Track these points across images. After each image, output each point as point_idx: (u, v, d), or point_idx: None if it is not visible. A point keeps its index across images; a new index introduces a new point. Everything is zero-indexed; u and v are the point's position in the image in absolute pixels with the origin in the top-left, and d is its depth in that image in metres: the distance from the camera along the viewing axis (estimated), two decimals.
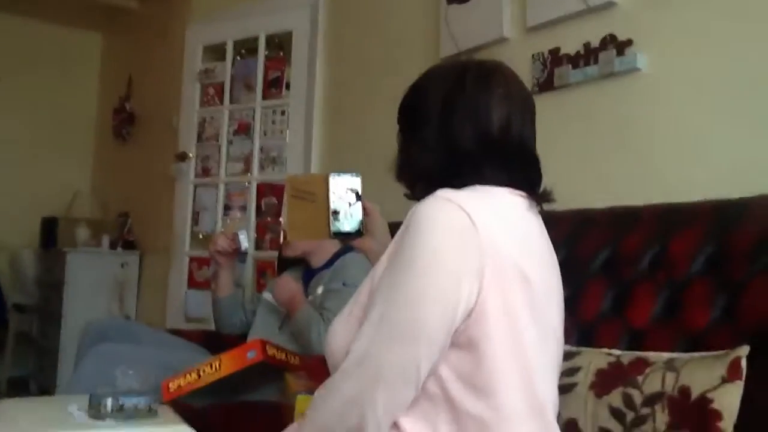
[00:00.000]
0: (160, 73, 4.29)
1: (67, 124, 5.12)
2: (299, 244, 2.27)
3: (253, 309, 2.45)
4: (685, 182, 1.76)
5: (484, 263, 0.92)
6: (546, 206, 1.10)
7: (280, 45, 3.61)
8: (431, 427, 0.95)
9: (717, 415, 1.15)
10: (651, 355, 1.32)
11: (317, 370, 1.60)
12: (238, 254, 2.43)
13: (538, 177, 1.10)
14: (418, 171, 1.10)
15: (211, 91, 3.77)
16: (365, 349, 0.93)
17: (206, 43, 3.82)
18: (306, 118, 3.32)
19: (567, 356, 1.36)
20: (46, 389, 4.15)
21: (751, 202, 1.45)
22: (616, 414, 1.27)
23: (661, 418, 1.20)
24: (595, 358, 1.38)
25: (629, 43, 1.92)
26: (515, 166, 1.05)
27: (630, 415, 1.25)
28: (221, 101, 3.72)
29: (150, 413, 1.57)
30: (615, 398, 1.28)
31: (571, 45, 2.07)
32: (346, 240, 1.19)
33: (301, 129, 3.34)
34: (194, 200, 3.77)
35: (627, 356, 1.34)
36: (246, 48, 3.71)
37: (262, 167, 3.54)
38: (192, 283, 3.72)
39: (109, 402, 1.53)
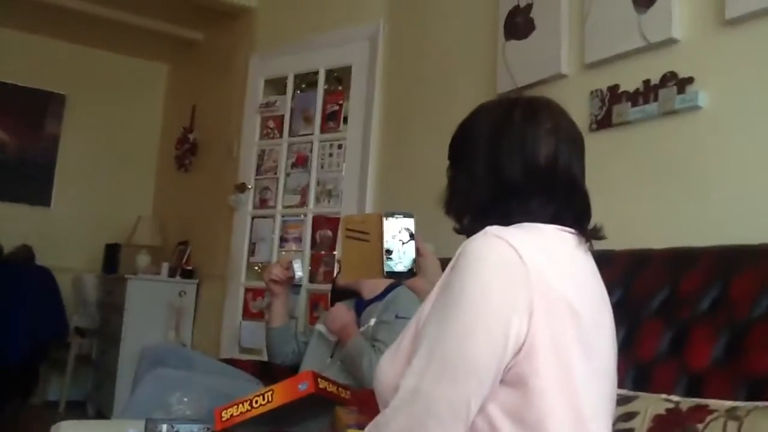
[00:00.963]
0: (222, 104, 4.42)
1: (131, 153, 5.31)
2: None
3: (305, 341, 2.47)
4: (745, 223, 1.71)
5: (533, 299, 0.92)
6: (601, 245, 1.09)
7: (339, 79, 3.69)
8: None
9: None
10: (712, 402, 1.27)
11: (368, 403, 1.60)
12: (292, 284, 2.45)
13: (586, 212, 1.09)
14: (465, 203, 1.11)
15: (271, 123, 3.86)
16: (415, 385, 0.93)
17: (268, 76, 3.94)
18: (362, 151, 3.36)
19: (623, 401, 1.33)
20: (103, 411, 4.25)
21: None
22: None
23: None
24: (653, 404, 1.34)
25: (690, 80, 1.89)
26: (562, 199, 1.05)
27: None
28: (281, 134, 3.81)
29: None
30: None
31: (630, 82, 2.06)
32: (399, 279, 1.20)
33: (357, 162, 3.39)
34: (251, 231, 3.85)
35: (686, 403, 1.30)
36: (306, 82, 3.80)
37: (318, 200, 3.59)
38: (247, 314, 3.77)
39: (164, 428, 1.56)
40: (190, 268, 4.47)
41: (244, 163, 3.92)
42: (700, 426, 1.22)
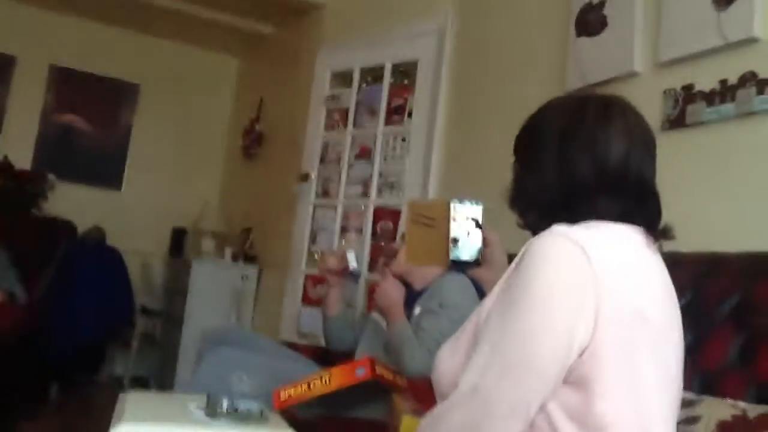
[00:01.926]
0: (289, 96, 4.49)
1: (200, 141, 5.45)
2: (403, 261, 2.27)
3: (361, 328, 2.49)
4: None
5: (600, 300, 0.91)
6: (670, 246, 1.07)
7: (405, 73, 3.69)
8: None
9: None
10: None
11: (424, 392, 1.61)
12: (348, 274, 2.48)
13: (656, 212, 1.07)
14: (531, 200, 1.09)
15: (336, 115, 3.91)
16: (475, 382, 0.93)
17: (334, 69, 3.98)
18: (426, 145, 3.37)
19: (686, 404, 1.30)
20: (165, 388, 4.39)
21: None
22: None
23: None
24: (718, 409, 1.30)
25: None
26: (631, 200, 1.03)
27: None
28: (345, 126, 3.85)
29: (261, 418, 1.63)
30: None
31: (706, 81, 2.00)
32: (464, 268, 1.19)
33: (421, 156, 3.39)
34: (313, 220, 3.90)
35: (754, 410, 1.26)
36: (372, 75, 3.82)
37: (380, 191, 3.61)
38: (306, 300, 3.83)
39: (225, 403, 1.61)
40: (252, 254, 4.56)
41: (308, 153, 3.98)
42: None
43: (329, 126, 3.94)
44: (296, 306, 3.85)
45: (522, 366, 0.91)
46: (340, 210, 3.77)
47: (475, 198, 1.19)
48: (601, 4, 2.41)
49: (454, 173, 3.22)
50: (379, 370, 1.80)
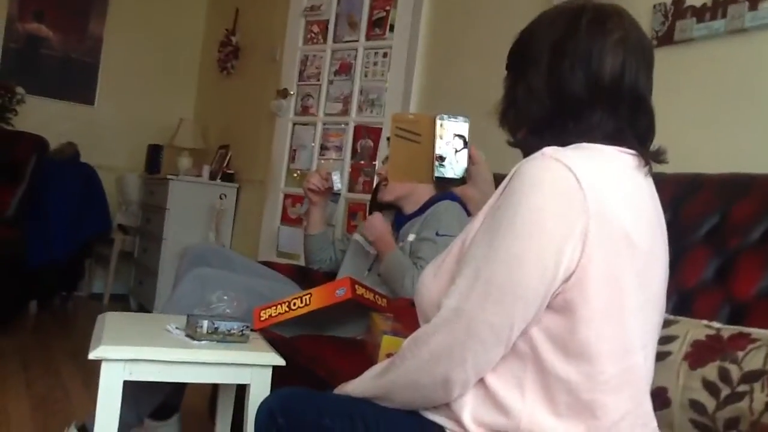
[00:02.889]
0: (266, 6, 4.33)
1: (174, 54, 5.29)
2: (396, 188, 2.27)
3: (342, 248, 2.49)
4: None
5: (588, 226, 0.89)
6: (656, 167, 1.04)
7: None
8: (518, 386, 0.94)
9: None
10: (754, 331, 1.25)
11: (404, 312, 1.62)
12: (331, 193, 2.46)
13: (649, 130, 1.04)
14: (523, 116, 1.06)
15: (315, 28, 3.78)
16: (458, 304, 0.92)
17: None
18: (408, 61, 3.28)
19: (663, 324, 1.32)
20: (144, 306, 4.42)
21: None
22: (710, 388, 1.22)
23: (760, 397, 1.14)
24: (693, 329, 1.32)
25: None
26: (625, 116, 1.00)
27: (725, 391, 1.20)
28: (324, 39, 3.73)
29: (242, 338, 1.64)
30: (710, 372, 1.23)
31: None
32: (448, 186, 1.16)
33: (402, 73, 3.31)
34: (292, 137, 3.84)
35: (728, 330, 1.28)
36: None
37: (360, 109, 3.54)
38: (285, 219, 3.83)
39: (204, 324, 1.60)
40: (230, 171, 4.51)
41: (287, 68, 3.87)
42: (740, 354, 1.21)
43: (308, 39, 3.82)
44: (275, 225, 3.84)
45: (506, 290, 0.90)
46: (319, 128, 3.71)
47: (463, 114, 1.14)
48: None
49: (436, 91, 3.16)
50: (359, 290, 1.80)
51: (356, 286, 1.80)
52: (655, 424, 1.02)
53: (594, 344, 0.91)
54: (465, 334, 0.91)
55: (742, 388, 1.18)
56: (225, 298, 1.75)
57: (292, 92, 3.82)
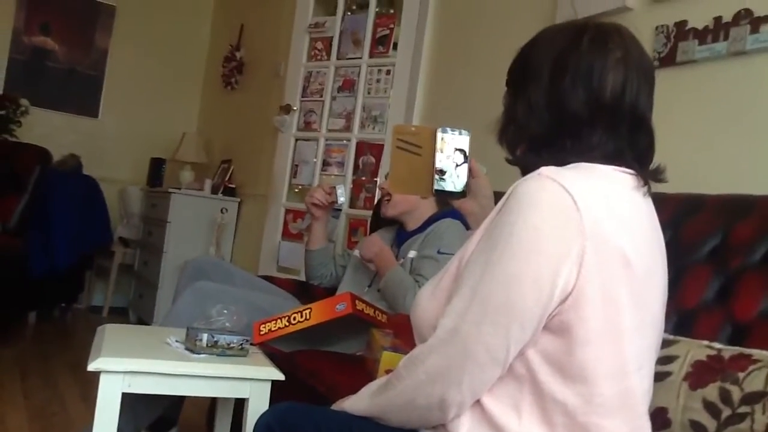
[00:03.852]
0: (270, 23, 4.36)
1: (179, 68, 5.32)
2: (399, 204, 2.27)
3: (343, 264, 2.49)
4: None
5: (585, 246, 0.88)
6: (655, 187, 1.04)
7: (391, 2, 3.59)
8: (514, 408, 0.93)
9: None
10: (756, 352, 1.25)
11: (404, 327, 1.62)
12: (333, 208, 2.47)
13: (649, 150, 1.04)
14: (522, 133, 1.05)
15: (320, 45, 3.80)
16: (455, 325, 0.92)
17: None
18: (411, 79, 3.30)
19: (663, 344, 1.31)
20: (144, 319, 4.41)
21: None
22: (711, 409, 1.21)
23: (761, 419, 1.14)
24: (694, 349, 1.32)
25: (766, 19, 1.78)
26: (625, 135, 1.00)
27: (726, 412, 1.19)
28: (328, 56, 3.75)
29: (241, 352, 1.63)
30: (711, 392, 1.22)
31: (699, 18, 1.95)
32: (448, 199, 1.15)
33: (405, 90, 3.33)
34: (294, 153, 3.85)
35: (729, 351, 1.28)
36: (357, 3, 3.71)
37: (362, 125, 3.56)
38: (286, 234, 3.83)
39: (204, 337, 1.60)
40: (232, 186, 4.52)
41: (291, 84, 3.89)
42: (741, 374, 1.20)
43: (312, 56, 3.84)
44: (276, 239, 3.85)
45: (503, 311, 0.89)
46: (322, 143, 3.72)
47: (464, 127, 1.14)
48: None
49: (439, 108, 3.17)
50: (359, 305, 1.79)
51: (356, 302, 1.79)
52: None
53: (591, 366, 0.91)
54: (461, 355, 0.91)
55: (743, 409, 1.17)
56: (225, 311, 1.75)
57: (295, 108, 3.84)
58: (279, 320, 1.83)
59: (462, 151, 1.11)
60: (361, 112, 3.56)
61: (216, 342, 1.61)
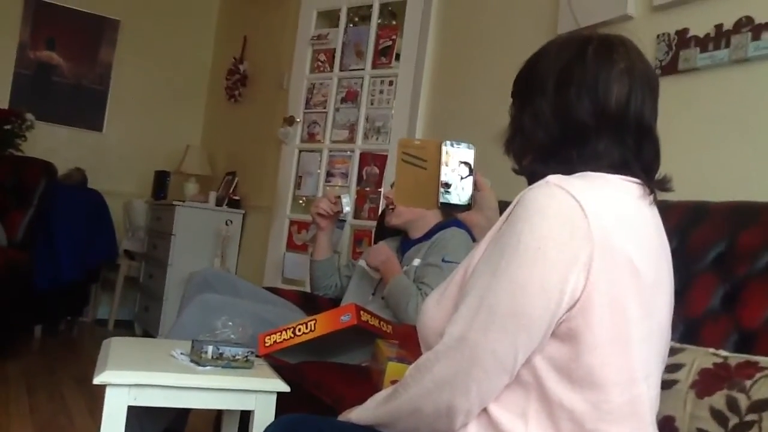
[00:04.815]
0: (273, 35, 4.38)
1: (183, 81, 5.34)
2: (404, 213, 2.28)
3: (348, 275, 2.49)
4: None
5: (593, 254, 0.89)
6: (661, 195, 1.04)
7: (393, 13, 3.61)
8: (521, 416, 0.93)
9: None
10: (762, 359, 1.24)
11: (409, 338, 1.61)
12: (338, 218, 2.47)
13: (655, 159, 1.04)
14: (529, 143, 1.06)
15: (322, 57, 3.82)
16: (462, 332, 0.92)
17: (321, 9, 3.88)
18: (413, 89, 3.31)
19: (670, 352, 1.30)
20: (149, 331, 4.41)
21: None
22: (718, 417, 1.21)
23: None
24: (700, 357, 1.31)
25: (767, 26, 1.78)
26: (630, 145, 1.00)
27: (733, 420, 1.18)
28: (331, 68, 3.77)
29: (246, 364, 1.63)
30: (718, 400, 1.22)
31: (700, 26, 1.95)
32: (454, 211, 1.16)
33: (408, 100, 3.34)
34: (298, 164, 3.86)
35: (735, 358, 1.27)
36: (359, 15, 3.73)
37: (366, 136, 3.57)
38: (290, 245, 3.83)
39: (209, 349, 1.60)
40: (237, 198, 4.53)
41: (294, 96, 3.91)
42: (748, 382, 1.20)
43: (315, 68, 3.86)
44: (281, 251, 3.85)
45: (510, 319, 0.89)
46: (325, 155, 3.73)
47: (468, 140, 1.15)
48: None
49: (441, 119, 3.18)
50: (364, 316, 1.79)
51: (361, 313, 1.79)
52: None
53: (598, 372, 0.91)
54: (468, 363, 0.91)
55: (750, 417, 1.17)
56: (230, 323, 1.75)
57: (298, 119, 3.85)
58: (284, 332, 1.83)
59: (467, 164, 1.12)
60: (365, 123, 3.57)
61: (221, 354, 1.61)
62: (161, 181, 4.89)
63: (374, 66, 3.57)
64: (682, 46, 2.00)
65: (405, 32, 3.42)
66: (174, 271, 4.24)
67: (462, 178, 1.12)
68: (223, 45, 5.26)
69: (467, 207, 1.13)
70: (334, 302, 2.43)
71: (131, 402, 1.48)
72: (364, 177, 3.53)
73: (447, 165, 1.11)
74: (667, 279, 1.02)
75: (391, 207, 2.34)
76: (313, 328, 1.81)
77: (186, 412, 2.09)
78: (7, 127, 4.27)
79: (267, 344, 1.84)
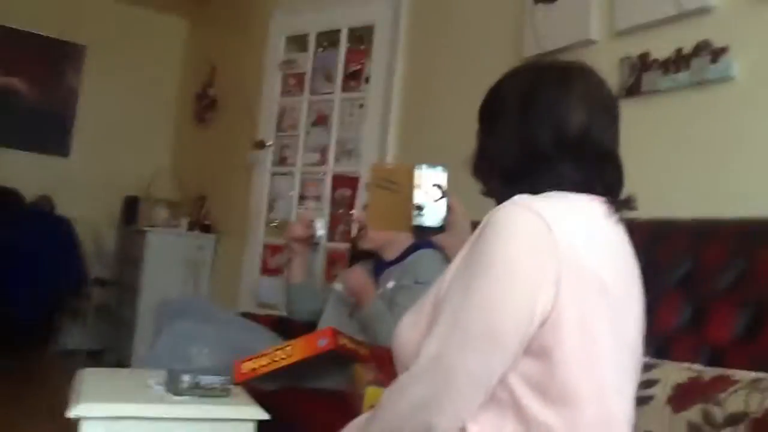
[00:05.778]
0: (243, 61, 4.39)
1: (151, 105, 5.30)
2: (374, 237, 2.29)
3: (323, 298, 2.49)
4: None
5: (561, 271, 0.91)
6: (627, 214, 1.08)
7: (361, 38, 3.65)
8: None
9: None
10: (735, 373, 1.27)
11: (386, 361, 1.62)
12: (313, 242, 2.47)
13: (618, 181, 1.07)
14: (493, 166, 1.09)
15: (292, 80, 3.84)
16: (436, 352, 0.93)
17: (289, 34, 3.90)
18: (383, 111, 3.34)
19: (644, 368, 1.33)
20: (122, 361, 4.33)
21: None
22: (695, 430, 1.24)
23: None
24: (674, 372, 1.34)
25: (724, 50, 1.85)
26: (593, 168, 1.04)
27: None
28: (301, 91, 3.79)
29: (224, 392, 1.62)
30: (694, 414, 1.24)
31: (661, 50, 2.01)
32: (427, 234, 1.18)
33: (378, 123, 3.36)
34: (270, 188, 3.86)
35: (709, 372, 1.30)
36: (328, 40, 3.76)
37: (337, 159, 3.59)
38: (265, 270, 3.81)
39: (186, 379, 1.59)
40: (208, 222, 4.49)
41: (264, 120, 3.91)
42: (722, 395, 1.23)
43: (285, 92, 3.88)
44: (254, 276, 3.83)
45: (484, 337, 0.91)
46: (297, 178, 3.74)
47: (441, 163, 1.17)
48: None
49: (411, 140, 3.21)
50: (341, 340, 1.80)
51: (338, 336, 1.80)
52: None
53: (572, 388, 0.92)
54: (444, 383, 0.92)
55: (727, 429, 1.19)
56: (205, 351, 1.75)
57: (269, 143, 3.85)
58: (260, 358, 1.82)
59: (439, 186, 1.14)
60: (336, 145, 3.59)
61: (198, 383, 1.60)
62: (131, 206, 4.83)
63: (344, 89, 3.60)
64: (645, 69, 2.06)
65: (373, 56, 3.46)
66: (145, 298, 4.18)
67: (435, 201, 1.14)
68: (192, 69, 5.24)
69: (441, 229, 1.16)
70: (311, 326, 2.42)
71: None
72: (337, 199, 3.54)
73: (420, 187, 1.13)
74: (637, 295, 1.05)
75: (362, 230, 2.35)
76: (289, 354, 1.81)
77: None
78: None
79: (243, 371, 1.83)
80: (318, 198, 3.62)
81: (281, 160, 3.83)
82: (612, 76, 2.08)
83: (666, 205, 1.77)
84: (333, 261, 3.46)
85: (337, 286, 2.38)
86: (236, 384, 1.78)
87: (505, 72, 1.14)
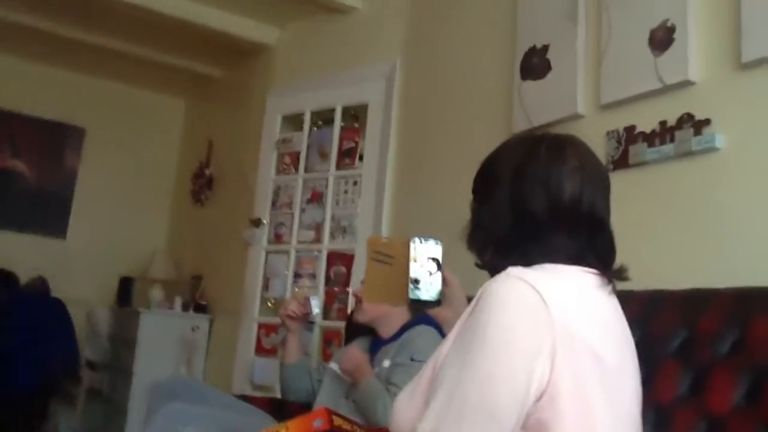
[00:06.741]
0: (239, 139, 4.46)
1: (148, 186, 5.35)
2: (370, 310, 2.27)
3: (319, 378, 2.45)
4: (762, 265, 1.70)
5: (556, 343, 0.91)
6: (619, 285, 1.08)
7: (355, 116, 3.73)
8: None
9: None
10: None
11: None
12: (308, 320, 2.45)
13: (610, 252, 1.08)
14: (487, 237, 1.10)
15: (287, 159, 3.89)
16: (434, 428, 0.92)
17: (285, 113, 3.98)
18: (377, 188, 3.38)
19: None
20: None
21: None
22: None
23: None
24: None
25: (707, 122, 1.90)
26: (585, 238, 1.05)
27: None
28: (296, 169, 3.84)
29: None
30: None
31: (646, 123, 2.07)
32: (423, 308, 1.18)
33: (372, 199, 3.40)
34: (265, 266, 3.85)
35: None
36: (322, 119, 3.84)
37: (332, 236, 3.60)
38: (259, 350, 3.75)
39: None
40: (203, 302, 4.46)
41: (260, 198, 3.95)
42: None
43: (281, 170, 3.92)
44: (249, 356, 3.77)
45: (480, 411, 0.90)
46: (293, 255, 3.74)
47: (436, 236, 1.18)
48: (545, 49, 2.48)
49: (406, 216, 3.23)
50: (336, 420, 1.75)
51: (333, 417, 1.75)
52: None
53: None
54: None
55: None
56: None
57: (264, 221, 3.88)
58: None
59: (435, 259, 1.15)
60: (331, 222, 3.61)
61: None
62: (126, 287, 4.80)
63: (338, 167, 3.65)
64: (631, 142, 2.10)
65: (367, 134, 3.52)
66: (139, 381, 4.09)
67: (431, 274, 1.14)
68: (189, 149, 5.32)
69: (437, 303, 1.16)
70: (306, 407, 2.37)
71: None
72: (332, 277, 3.53)
73: (416, 261, 1.14)
74: (632, 365, 1.04)
75: (359, 304, 2.34)
76: None
77: None
78: None
79: None
80: (313, 275, 3.61)
81: (276, 238, 3.84)
82: (600, 149, 2.12)
83: (658, 276, 1.77)
84: (329, 339, 3.42)
85: (333, 365, 2.35)
86: None
87: (498, 145, 1.17)
